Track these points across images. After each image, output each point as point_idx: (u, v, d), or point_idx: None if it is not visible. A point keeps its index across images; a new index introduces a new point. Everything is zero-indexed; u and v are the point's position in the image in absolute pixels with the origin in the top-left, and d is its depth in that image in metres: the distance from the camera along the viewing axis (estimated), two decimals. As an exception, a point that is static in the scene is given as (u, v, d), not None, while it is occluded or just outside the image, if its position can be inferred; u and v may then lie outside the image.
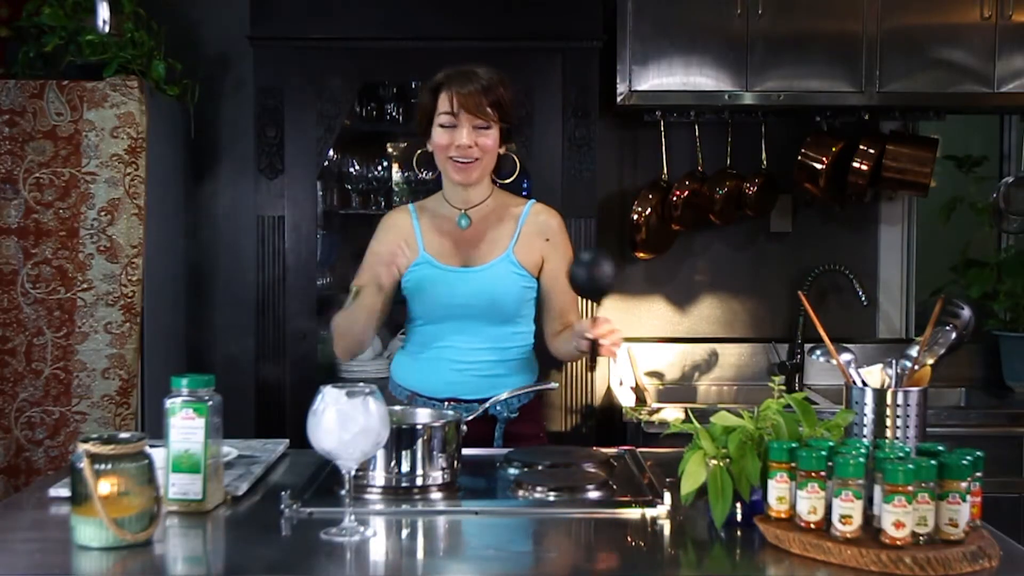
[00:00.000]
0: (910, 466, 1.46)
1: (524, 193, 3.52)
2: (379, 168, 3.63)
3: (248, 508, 1.79)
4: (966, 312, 1.84)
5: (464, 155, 2.30)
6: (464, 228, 2.39)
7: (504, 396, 2.26)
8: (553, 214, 2.45)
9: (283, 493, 1.75)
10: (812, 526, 1.52)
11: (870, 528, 1.51)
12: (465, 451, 1.99)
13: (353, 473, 1.65)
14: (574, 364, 3.30)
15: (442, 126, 2.31)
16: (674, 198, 3.54)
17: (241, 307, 3.60)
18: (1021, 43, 3.31)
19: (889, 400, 1.72)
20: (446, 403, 2.27)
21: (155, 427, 2.67)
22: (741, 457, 1.62)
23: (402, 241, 2.28)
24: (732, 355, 3.72)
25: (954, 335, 1.82)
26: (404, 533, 1.69)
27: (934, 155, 3.51)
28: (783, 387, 1.76)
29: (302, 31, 3.26)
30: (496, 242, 2.37)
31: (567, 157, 3.28)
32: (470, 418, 2.07)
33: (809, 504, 1.53)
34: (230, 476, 1.89)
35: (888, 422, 1.72)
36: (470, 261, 2.37)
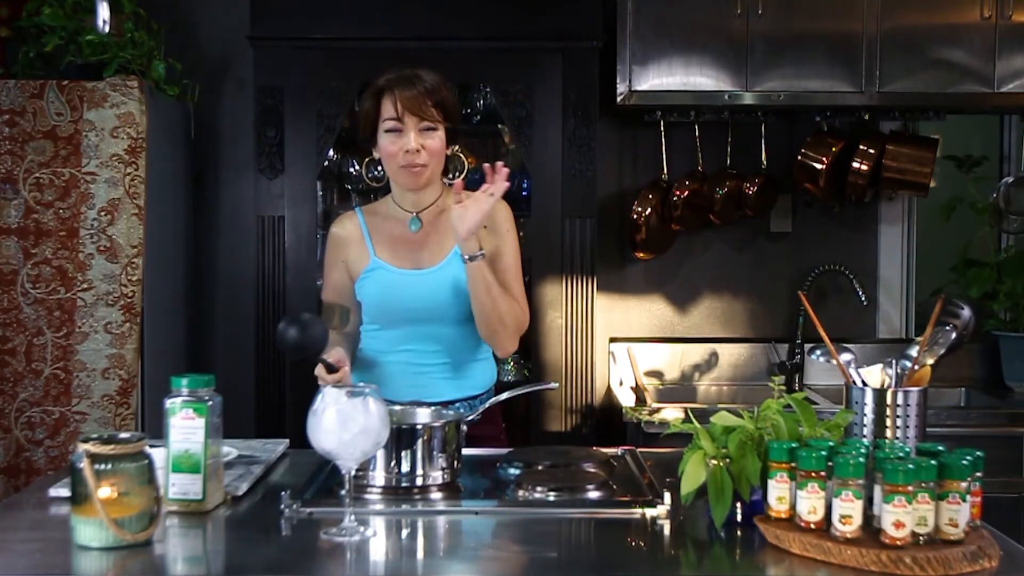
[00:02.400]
0: (910, 466, 1.46)
1: (524, 194, 3.53)
2: (379, 168, 3.63)
3: (248, 508, 1.79)
4: (966, 312, 1.84)
5: (412, 160, 2.28)
6: (415, 231, 2.38)
7: (504, 397, 2.24)
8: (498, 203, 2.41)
9: (283, 493, 1.75)
10: (812, 526, 1.53)
11: (870, 528, 1.51)
12: (465, 451, 1.99)
13: (353, 473, 1.65)
14: (574, 364, 3.29)
15: (388, 131, 2.28)
16: (674, 198, 3.54)
17: (241, 307, 3.60)
18: (1021, 43, 3.31)
19: (889, 400, 1.72)
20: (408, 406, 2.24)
21: (155, 427, 2.67)
22: (741, 457, 1.62)
23: (350, 244, 2.39)
24: (732, 355, 3.72)
25: (954, 335, 1.82)
26: (404, 533, 1.69)
27: (934, 155, 3.51)
28: (783, 387, 1.76)
29: (302, 31, 3.26)
30: (445, 242, 2.34)
31: (567, 157, 3.28)
32: (470, 418, 2.07)
33: (809, 504, 1.53)
34: (230, 476, 1.89)
35: (888, 422, 1.72)
36: (422, 263, 2.35)
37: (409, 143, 2.27)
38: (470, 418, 2.06)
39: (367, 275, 2.38)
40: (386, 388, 2.29)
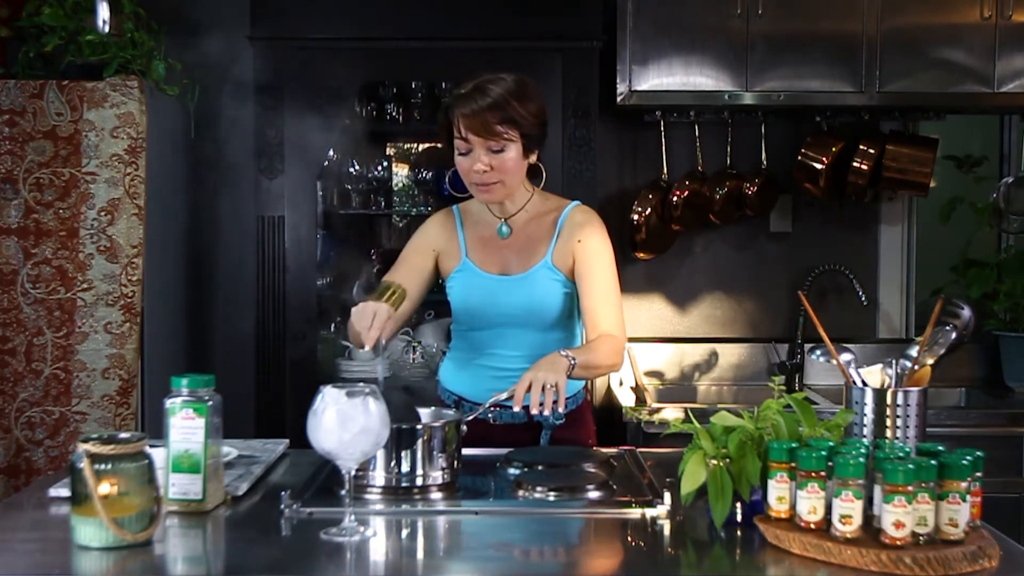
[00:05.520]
0: (910, 466, 1.46)
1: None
2: (379, 168, 3.63)
3: (248, 508, 1.79)
4: (966, 312, 1.84)
5: (483, 180, 2.23)
6: (505, 237, 2.34)
7: (504, 397, 2.19)
8: (589, 216, 2.36)
9: (283, 493, 1.75)
10: (812, 526, 1.53)
11: (870, 528, 1.51)
12: (465, 451, 1.99)
13: (353, 473, 1.65)
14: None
15: (459, 151, 2.24)
16: (674, 198, 3.54)
17: (241, 307, 3.60)
18: (1021, 43, 3.31)
19: (889, 400, 1.72)
20: (491, 408, 2.21)
21: (155, 427, 2.67)
22: (741, 457, 1.62)
23: (445, 240, 2.36)
24: (732, 355, 3.72)
25: (954, 335, 1.82)
26: (404, 533, 1.69)
27: (934, 155, 3.51)
28: (783, 387, 1.76)
29: (302, 31, 3.26)
30: (535, 249, 2.32)
31: (567, 157, 3.28)
32: (470, 418, 2.06)
33: (809, 504, 1.53)
34: (230, 476, 1.89)
35: (888, 422, 1.72)
36: (509, 269, 2.33)
37: (477, 164, 2.22)
38: (465, 420, 2.04)
39: (456, 275, 2.36)
40: (470, 389, 2.35)
